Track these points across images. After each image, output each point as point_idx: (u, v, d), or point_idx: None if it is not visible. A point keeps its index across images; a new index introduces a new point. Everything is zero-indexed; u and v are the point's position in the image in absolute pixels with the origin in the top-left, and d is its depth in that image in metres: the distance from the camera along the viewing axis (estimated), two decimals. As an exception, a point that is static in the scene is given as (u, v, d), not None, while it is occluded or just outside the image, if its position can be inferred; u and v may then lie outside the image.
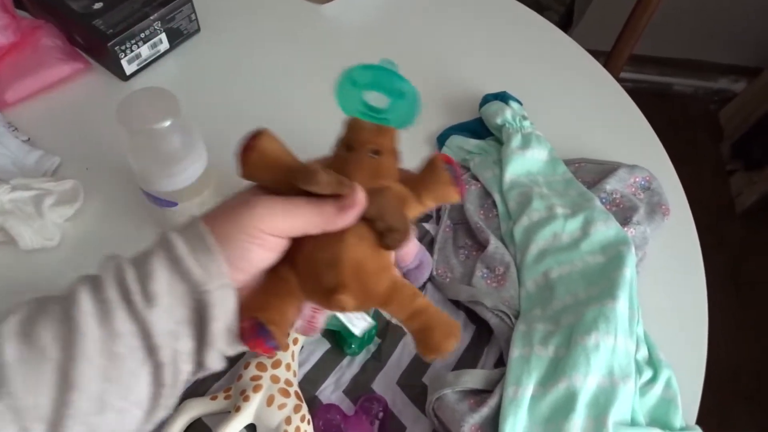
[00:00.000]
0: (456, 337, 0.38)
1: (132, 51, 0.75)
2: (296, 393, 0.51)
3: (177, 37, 0.80)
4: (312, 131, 0.74)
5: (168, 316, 0.33)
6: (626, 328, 0.52)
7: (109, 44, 0.72)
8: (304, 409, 0.50)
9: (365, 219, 0.37)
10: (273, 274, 0.38)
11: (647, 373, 0.53)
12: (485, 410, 0.48)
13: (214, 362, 0.36)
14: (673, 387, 0.53)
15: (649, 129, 0.78)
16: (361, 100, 0.42)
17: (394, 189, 0.39)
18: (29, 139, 0.69)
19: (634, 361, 0.52)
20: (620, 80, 0.83)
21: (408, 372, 0.55)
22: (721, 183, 1.81)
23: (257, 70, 0.81)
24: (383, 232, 0.36)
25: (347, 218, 0.36)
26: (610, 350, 0.50)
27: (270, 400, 0.49)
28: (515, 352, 0.51)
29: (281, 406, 0.49)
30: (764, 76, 1.81)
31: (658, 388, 0.53)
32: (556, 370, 0.49)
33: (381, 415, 0.52)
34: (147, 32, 0.75)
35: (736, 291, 1.58)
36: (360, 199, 0.36)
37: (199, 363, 0.36)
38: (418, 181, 0.41)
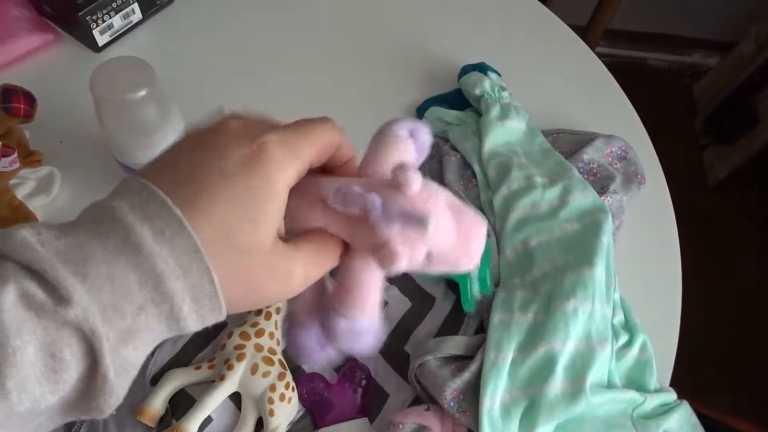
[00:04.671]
0: None
1: (103, 21, 0.73)
2: (280, 361, 0.51)
3: (150, 7, 0.78)
4: (290, 102, 0.73)
5: (134, 374, 0.27)
6: (603, 294, 0.53)
7: (79, 14, 0.70)
8: (289, 377, 0.50)
9: None
10: None
11: (623, 337, 0.54)
12: (466, 375, 0.48)
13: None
14: (648, 350, 0.54)
15: (626, 100, 0.79)
16: None
17: None
18: (-2, 112, 0.67)
19: (610, 326, 0.53)
20: (596, 55, 0.84)
21: (390, 341, 0.56)
22: (694, 156, 1.84)
23: (233, 40, 0.79)
24: None
25: None
26: (587, 315, 0.51)
27: (254, 369, 0.49)
28: (495, 318, 0.51)
29: (265, 374, 0.49)
30: (736, 51, 1.83)
31: (633, 352, 0.54)
32: (536, 335, 0.50)
33: (364, 383, 0.53)
34: (119, 1, 0.74)
35: (707, 262, 1.61)
36: None
37: None
38: None
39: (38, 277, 0.24)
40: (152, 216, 0.25)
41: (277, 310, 0.53)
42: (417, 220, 0.28)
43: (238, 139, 0.28)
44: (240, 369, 0.49)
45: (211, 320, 0.27)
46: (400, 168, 0.29)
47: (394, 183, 0.29)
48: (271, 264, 0.28)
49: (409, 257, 0.29)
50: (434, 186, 0.30)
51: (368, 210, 0.28)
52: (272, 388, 0.49)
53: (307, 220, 0.30)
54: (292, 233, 0.30)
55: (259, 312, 0.53)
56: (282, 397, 0.49)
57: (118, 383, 0.25)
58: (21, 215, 0.58)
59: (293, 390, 0.50)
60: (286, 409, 0.49)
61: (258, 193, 0.27)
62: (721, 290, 1.57)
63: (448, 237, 0.30)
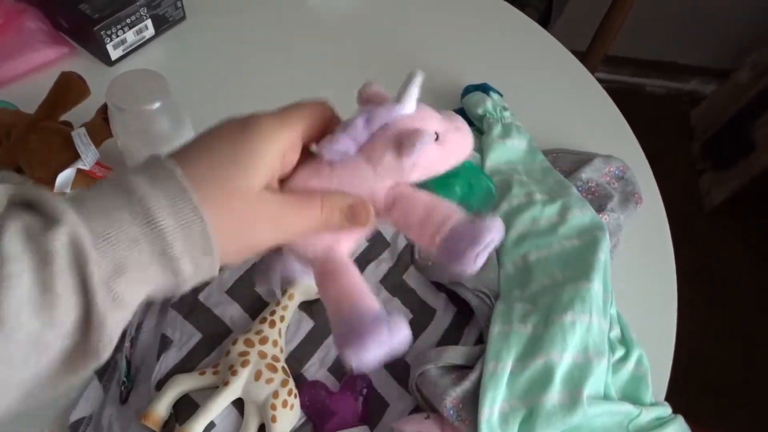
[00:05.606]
0: None
1: (117, 36, 0.75)
2: (283, 368, 0.52)
3: (162, 24, 0.81)
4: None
5: (127, 314, 0.28)
6: (600, 308, 0.54)
7: (94, 28, 0.73)
8: (292, 384, 0.51)
9: None
10: None
11: (620, 351, 0.55)
12: (466, 384, 0.49)
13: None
14: (644, 364, 0.56)
15: (624, 122, 0.81)
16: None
17: None
18: (13, 121, 0.69)
19: (607, 340, 0.54)
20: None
21: (391, 351, 0.57)
22: (691, 182, 1.86)
23: (242, 57, 0.82)
24: None
25: None
26: (585, 328, 0.52)
27: (258, 375, 0.50)
28: (495, 329, 0.53)
29: (269, 381, 0.50)
30: (733, 79, 1.87)
31: (629, 366, 0.55)
32: (534, 346, 0.51)
33: (365, 391, 0.54)
34: (133, 18, 0.76)
35: (703, 287, 1.62)
36: None
37: None
38: None
39: (36, 208, 0.26)
40: (148, 167, 0.29)
41: (281, 319, 0.54)
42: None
43: (239, 120, 0.32)
44: (244, 375, 0.50)
45: (205, 265, 0.29)
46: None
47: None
48: (260, 207, 0.30)
49: (424, 132, 0.32)
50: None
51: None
52: (275, 394, 0.50)
53: (315, 185, 0.33)
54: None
55: (263, 320, 0.54)
56: (285, 404, 0.50)
57: (112, 319, 0.26)
58: None
59: (296, 397, 0.51)
60: (289, 416, 0.50)
61: (247, 147, 0.30)
62: (717, 317, 1.58)
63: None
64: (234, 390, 0.50)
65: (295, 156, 0.34)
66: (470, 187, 0.40)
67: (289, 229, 0.32)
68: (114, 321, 0.26)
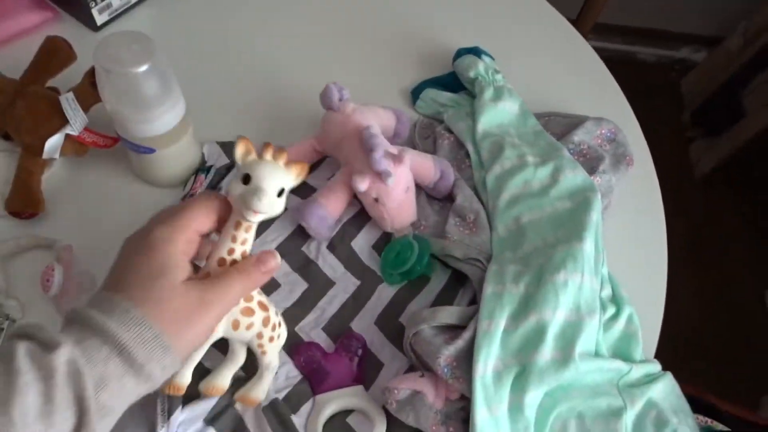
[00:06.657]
0: None
1: (103, 0, 0.74)
2: (260, 303, 0.46)
3: (148, -12, 0.79)
4: (287, 82, 0.74)
5: (113, 419, 0.36)
6: (592, 268, 0.55)
7: (79, -8, 0.71)
8: (273, 315, 0.47)
9: None
10: None
11: (611, 310, 0.56)
12: (460, 342, 0.50)
13: None
14: (634, 322, 0.56)
15: (616, 86, 0.81)
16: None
17: None
18: (-2, 87, 0.68)
19: (599, 298, 0.54)
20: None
21: (386, 312, 0.57)
22: (681, 149, 1.87)
23: (231, 20, 0.80)
24: None
25: None
26: (577, 287, 0.53)
27: (235, 325, 0.45)
28: (488, 289, 0.53)
29: (249, 326, 0.46)
30: (723, 46, 1.86)
31: (620, 324, 0.56)
32: (527, 305, 0.52)
33: (360, 352, 0.54)
34: (118, -19, 0.74)
35: (695, 255, 1.64)
36: None
37: None
38: None
39: (34, 339, 0.33)
40: (99, 302, 0.36)
41: (243, 254, 0.50)
42: (387, 173, 0.56)
43: (142, 238, 0.40)
44: (220, 330, 0.45)
45: (167, 359, 0.36)
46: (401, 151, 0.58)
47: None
48: (188, 296, 0.38)
49: (368, 188, 0.57)
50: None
51: (374, 151, 0.56)
52: (259, 335, 0.47)
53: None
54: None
55: (222, 262, 0.43)
56: (271, 339, 0.47)
57: (100, 425, 0.33)
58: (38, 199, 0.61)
59: (280, 326, 0.48)
60: (277, 346, 0.48)
61: (153, 257, 0.38)
62: (708, 284, 1.60)
63: (394, 202, 0.58)
64: (214, 337, 0.46)
65: (192, 249, 0.41)
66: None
67: (220, 304, 0.40)
68: (101, 427, 0.34)
